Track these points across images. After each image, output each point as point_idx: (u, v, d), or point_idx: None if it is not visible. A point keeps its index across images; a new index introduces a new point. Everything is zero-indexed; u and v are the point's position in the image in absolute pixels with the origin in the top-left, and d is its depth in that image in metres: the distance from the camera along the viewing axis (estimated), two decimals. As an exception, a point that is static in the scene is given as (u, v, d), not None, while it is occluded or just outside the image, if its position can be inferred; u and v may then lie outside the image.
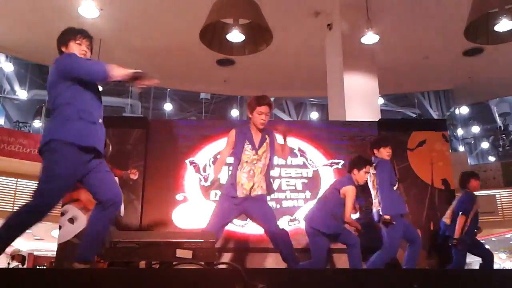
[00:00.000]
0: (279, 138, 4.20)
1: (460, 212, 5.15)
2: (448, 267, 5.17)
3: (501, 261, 13.05)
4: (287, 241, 3.91)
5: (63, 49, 3.12)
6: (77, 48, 3.08)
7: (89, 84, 2.98)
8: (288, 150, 4.26)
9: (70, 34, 3.14)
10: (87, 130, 2.87)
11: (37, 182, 2.81)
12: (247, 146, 4.01)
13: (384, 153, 4.80)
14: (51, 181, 2.76)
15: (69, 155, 2.78)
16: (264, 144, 4.06)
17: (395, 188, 4.79)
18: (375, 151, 4.85)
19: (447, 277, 2.02)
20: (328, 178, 5.86)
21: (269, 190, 4.06)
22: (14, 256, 9.59)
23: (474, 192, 5.35)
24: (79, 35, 3.09)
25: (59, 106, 2.89)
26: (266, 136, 4.09)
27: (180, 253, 2.12)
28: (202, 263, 2.10)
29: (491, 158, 15.00)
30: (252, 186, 3.94)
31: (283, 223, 5.51)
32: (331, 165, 5.93)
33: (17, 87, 14.56)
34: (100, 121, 3.04)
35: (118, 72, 2.88)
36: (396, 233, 4.58)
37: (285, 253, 3.91)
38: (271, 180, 4.16)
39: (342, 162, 5.95)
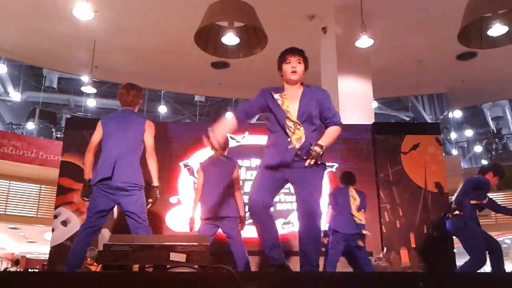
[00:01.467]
0: None
1: None
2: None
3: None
4: None
5: None
6: None
7: None
8: None
9: None
10: None
11: None
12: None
13: None
14: None
15: None
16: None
17: None
18: None
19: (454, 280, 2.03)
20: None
21: None
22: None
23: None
24: None
25: None
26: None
27: (173, 256, 2.11)
28: (196, 266, 2.10)
29: (484, 162, 15.06)
30: None
31: (277, 226, 5.49)
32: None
33: (10, 89, 14.48)
34: None
35: None
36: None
37: None
38: None
39: (336, 165, 5.97)
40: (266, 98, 3.21)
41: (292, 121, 3.08)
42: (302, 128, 3.07)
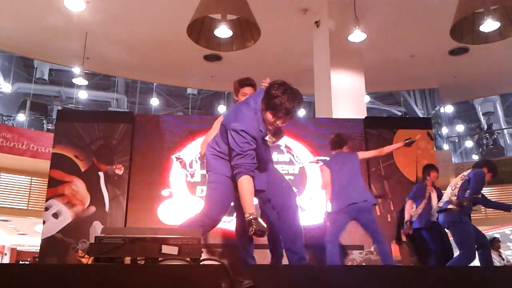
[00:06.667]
0: None
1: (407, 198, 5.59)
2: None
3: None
4: None
5: None
6: None
7: None
8: None
9: None
10: None
11: None
12: None
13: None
14: None
15: None
16: None
17: None
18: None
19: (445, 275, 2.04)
20: (314, 175, 5.89)
21: None
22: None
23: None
24: None
25: None
26: None
27: (165, 249, 2.11)
28: (188, 259, 2.10)
29: (475, 157, 15.17)
30: None
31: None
32: (317, 162, 5.96)
33: (1, 80, 14.34)
34: None
35: None
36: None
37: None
38: None
39: (328, 159, 5.98)
40: None
41: None
42: None
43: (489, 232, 11.39)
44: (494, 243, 8.40)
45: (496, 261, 8.05)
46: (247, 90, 3.99)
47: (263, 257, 3.88)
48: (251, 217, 2.76)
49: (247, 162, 2.83)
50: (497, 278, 2.04)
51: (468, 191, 4.82)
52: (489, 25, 5.24)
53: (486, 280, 2.01)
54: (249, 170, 2.84)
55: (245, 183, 2.84)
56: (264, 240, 3.27)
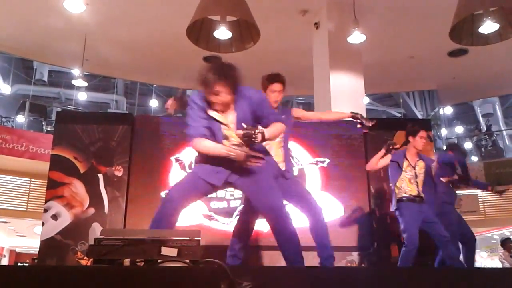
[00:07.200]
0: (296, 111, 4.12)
1: None
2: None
3: (482, 259, 13.26)
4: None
5: None
6: None
7: None
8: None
9: None
10: None
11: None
12: None
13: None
14: None
15: None
16: None
17: None
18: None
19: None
20: (313, 177, 5.89)
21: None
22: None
23: None
24: None
25: None
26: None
27: (165, 251, 2.11)
28: (187, 261, 2.10)
29: (474, 158, 15.18)
30: None
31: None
32: (316, 163, 5.96)
33: (0, 81, 14.35)
34: None
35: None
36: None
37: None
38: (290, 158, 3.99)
39: (327, 160, 5.98)
40: None
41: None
42: None
43: (488, 233, 11.39)
44: (507, 244, 8.41)
45: (506, 263, 8.07)
46: (276, 86, 3.81)
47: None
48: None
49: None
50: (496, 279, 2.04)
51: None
52: (488, 26, 5.25)
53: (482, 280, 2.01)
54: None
55: (197, 143, 2.99)
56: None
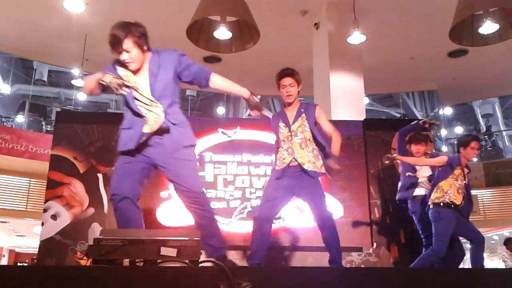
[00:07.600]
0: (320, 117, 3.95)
1: None
2: None
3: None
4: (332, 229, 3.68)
5: None
6: None
7: None
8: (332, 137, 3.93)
9: None
10: None
11: None
12: (281, 124, 3.89)
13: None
14: None
15: None
16: (299, 118, 3.86)
17: None
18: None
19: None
20: (313, 177, 5.88)
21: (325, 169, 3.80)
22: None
23: None
24: None
25: None
26: (302, 110, 3.89)
27: (164, 251, 2.11)
28: (187, 261, 2.10)
29: (474, 158, 15.21)
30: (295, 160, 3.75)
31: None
32: (316, 164, 5.94)
33: (0, 81, 14.34)
34: None
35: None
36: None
37: (329, 241, 3.69)
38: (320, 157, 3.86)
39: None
40: None
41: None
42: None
43: (488, 234, 11.38)
44: (510, 244, 8.40)
45: (510, 262, 8.06)
46: (286, 81, 3.80)
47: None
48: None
49: None
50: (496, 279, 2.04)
51: None
52: (488, 27, 5.26)
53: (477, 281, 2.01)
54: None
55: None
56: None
